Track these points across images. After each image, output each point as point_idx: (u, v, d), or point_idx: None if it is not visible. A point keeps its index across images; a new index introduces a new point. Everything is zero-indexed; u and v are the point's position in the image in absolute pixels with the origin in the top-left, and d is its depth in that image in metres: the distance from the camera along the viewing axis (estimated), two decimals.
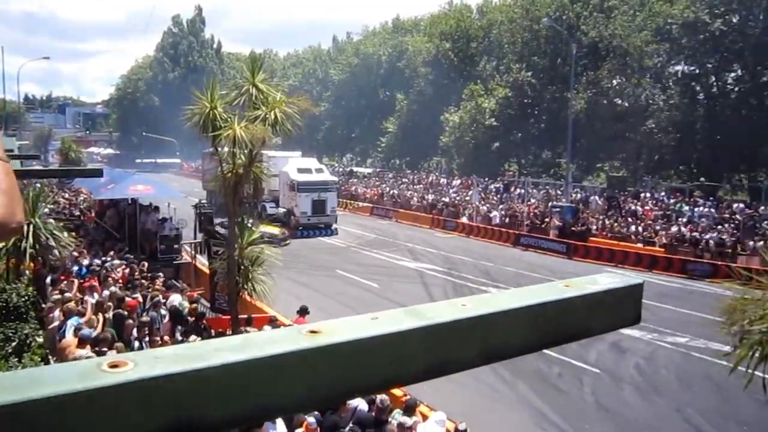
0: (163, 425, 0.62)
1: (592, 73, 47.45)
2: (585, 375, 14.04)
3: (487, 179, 47.85)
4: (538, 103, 52.04)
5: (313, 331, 0.74)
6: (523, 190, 41.62)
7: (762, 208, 32.31)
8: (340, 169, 65.89)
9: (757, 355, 3.82)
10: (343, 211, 42.29)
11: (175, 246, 21.69)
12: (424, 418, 8.51)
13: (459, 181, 50.11)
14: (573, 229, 31.59)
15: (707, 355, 14.40)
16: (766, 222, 28.43)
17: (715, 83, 44.68)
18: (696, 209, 32.97)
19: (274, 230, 27.54)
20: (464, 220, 38.18)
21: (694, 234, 28.14)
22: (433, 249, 30.76)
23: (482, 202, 39.47)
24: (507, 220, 36.11)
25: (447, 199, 42.72)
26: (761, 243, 23.32)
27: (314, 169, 36.66)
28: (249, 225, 14.39)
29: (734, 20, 40.70)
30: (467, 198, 41.08)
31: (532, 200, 39.48)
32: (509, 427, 11.04)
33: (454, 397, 11.57)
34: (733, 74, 43.81)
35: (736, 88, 43.22)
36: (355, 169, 67.52)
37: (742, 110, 41.18)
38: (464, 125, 53.22)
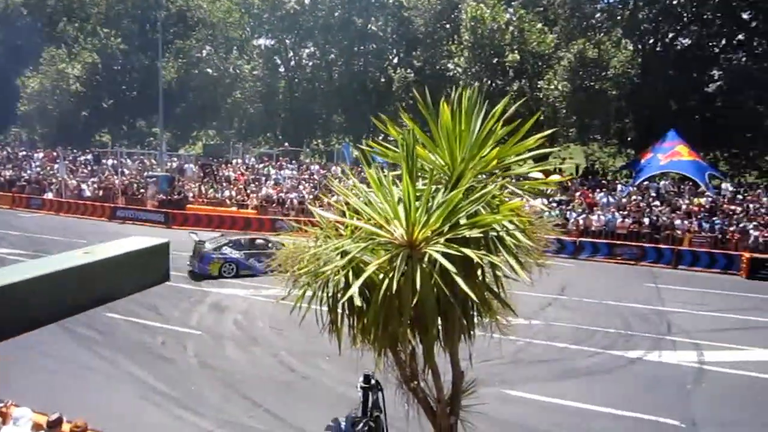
0: None
1: (181, 41, 47.23)
2: (188, 339, 14.35)
3: (75, 151, 44.04)
4: (129, 70, 49.66)
5: None
6: (116, 161, 39.68)
7: (333, 168, 37.07)
8: None
9: (309, 294, 4.49)
10: None
11: None
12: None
13: (43, 154, 45.00)
14: (170, 197, 31.55)
15: (292, 302, 16.09)
16: (337, 180, 32.68)
17: (293, 57, 48.90)
18: (281, 172, 36.09)
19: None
20: (50, 196, 34.78)
21: (281, 194, 30.86)
22: (15, 231, 27.30)
23: (71, 176, 36.56)
24: (100, 193, 34.17)
25: (29, 175, 38.18)
26: (335, 198, 26.79)
27: None
28: None
29: (306, 1, 44.97)
30: (53, 172, 37.38)
31: (127, 171, 37.97)
32: (115, 406, 10.68)
33: (48, 388, 10.71)
34: (307, 50, 48.54)
35: (310, 63, 48.11)
36: None
37: (315, 83, 46.08)
38: (46, 92, 47.69)
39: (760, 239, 25.09)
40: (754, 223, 26.07)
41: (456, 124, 4.75)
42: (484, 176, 4.90)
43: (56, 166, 37.60)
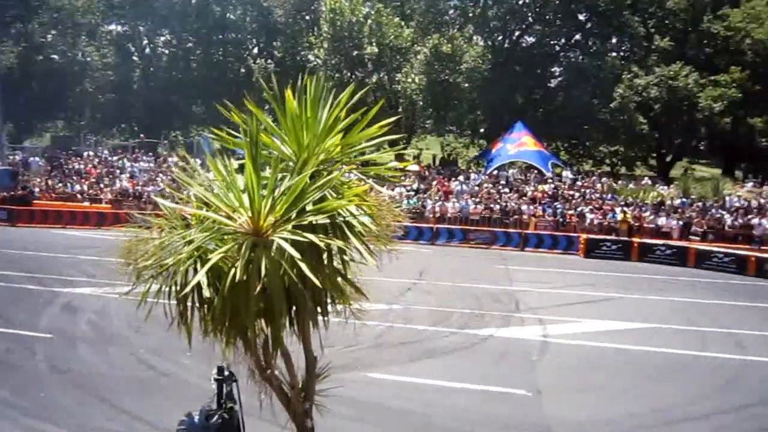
0: None
1: (22, 25, 43.63)
2: (37, 343, 13.49)
3: None
4: None
5: None
6: None
7: (195, 160, 35.92)
8: None
9: (154, 288, 4.46)
10: None
11: None
12: None
13: None
14: (14, 193, 29.42)
15: (150, 298, 15.48)
16: (197, 172, 31.81)
17: (147, 45, 46.70)
18: (137, 165, 34.52)
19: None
20: None
21: (137, 188, 29.60)
22: None
23: None
24: None
25: None
26: (194, 191, 26.03)
27: None
28: None
29: None
30: None
31: None
32: None
33: None
34: (163, 38, 46.54)
35: (167, 51, 46.18)
36: None
37: (173, 71, 44.33)
38: None
39: (595, 221, 27.55)
40: (590, 207, 28.57)
41: (302, 112, 4.88)
42: (330, 163, 5.05)
43: None
